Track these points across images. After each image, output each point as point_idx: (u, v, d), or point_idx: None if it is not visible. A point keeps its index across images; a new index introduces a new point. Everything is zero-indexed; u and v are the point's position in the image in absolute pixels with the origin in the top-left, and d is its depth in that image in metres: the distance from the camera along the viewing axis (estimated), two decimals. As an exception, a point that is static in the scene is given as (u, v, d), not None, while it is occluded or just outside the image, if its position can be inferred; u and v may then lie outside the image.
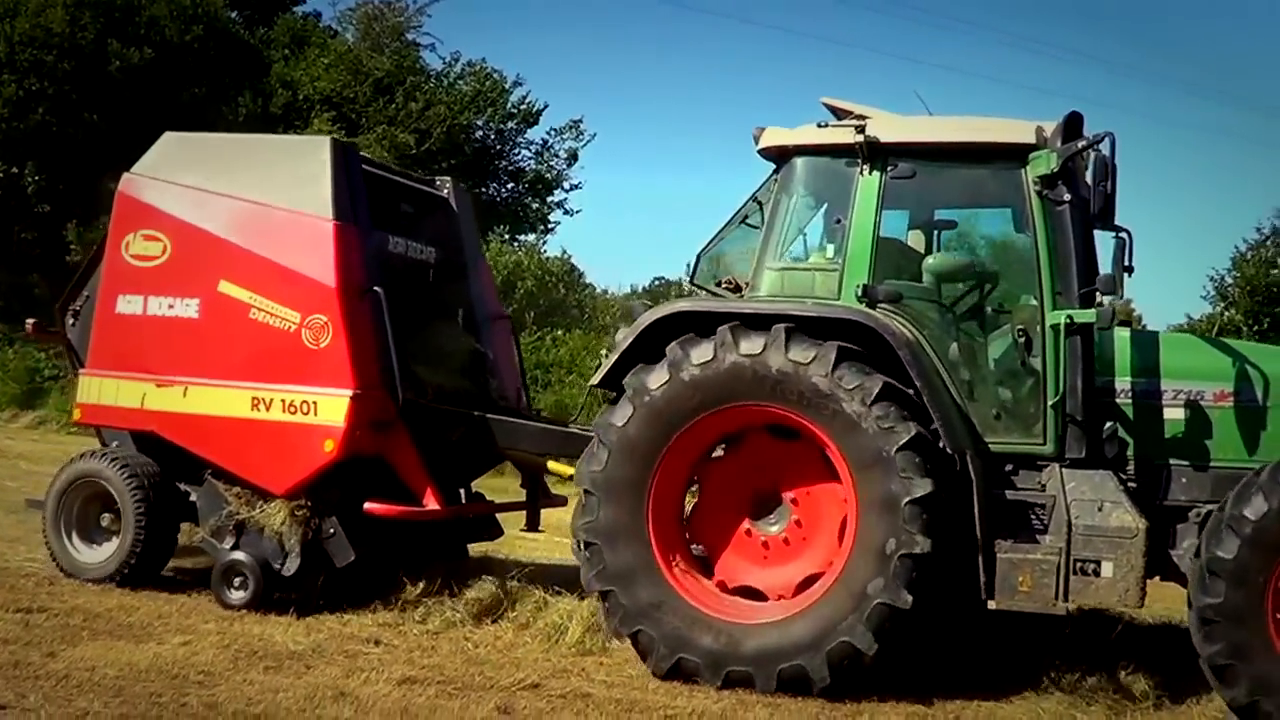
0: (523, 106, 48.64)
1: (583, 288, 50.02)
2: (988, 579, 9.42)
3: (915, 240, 10.97)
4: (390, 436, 11.49)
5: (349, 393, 11.07)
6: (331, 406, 11.11)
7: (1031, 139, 9.86)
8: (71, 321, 12.65)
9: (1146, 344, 10.16)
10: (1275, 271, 36.12)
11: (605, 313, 48.97)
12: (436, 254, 12.98)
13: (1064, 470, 9.62)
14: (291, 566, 11.28)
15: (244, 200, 11.55)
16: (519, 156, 49.78)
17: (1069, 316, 9.53)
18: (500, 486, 14.34)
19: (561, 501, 13.27)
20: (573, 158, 50.10)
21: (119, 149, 34.93)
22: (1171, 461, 9.85)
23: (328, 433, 11.10)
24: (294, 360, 11.21)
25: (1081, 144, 9.62)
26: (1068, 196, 9.71)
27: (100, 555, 11.84)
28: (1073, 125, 9.82)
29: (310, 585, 11.35)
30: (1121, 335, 10.10)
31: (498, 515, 13.40)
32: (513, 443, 12.15)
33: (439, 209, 13.24)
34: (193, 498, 11.84)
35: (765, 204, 10.70)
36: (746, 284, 10.56)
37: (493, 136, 48.68)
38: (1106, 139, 9.39)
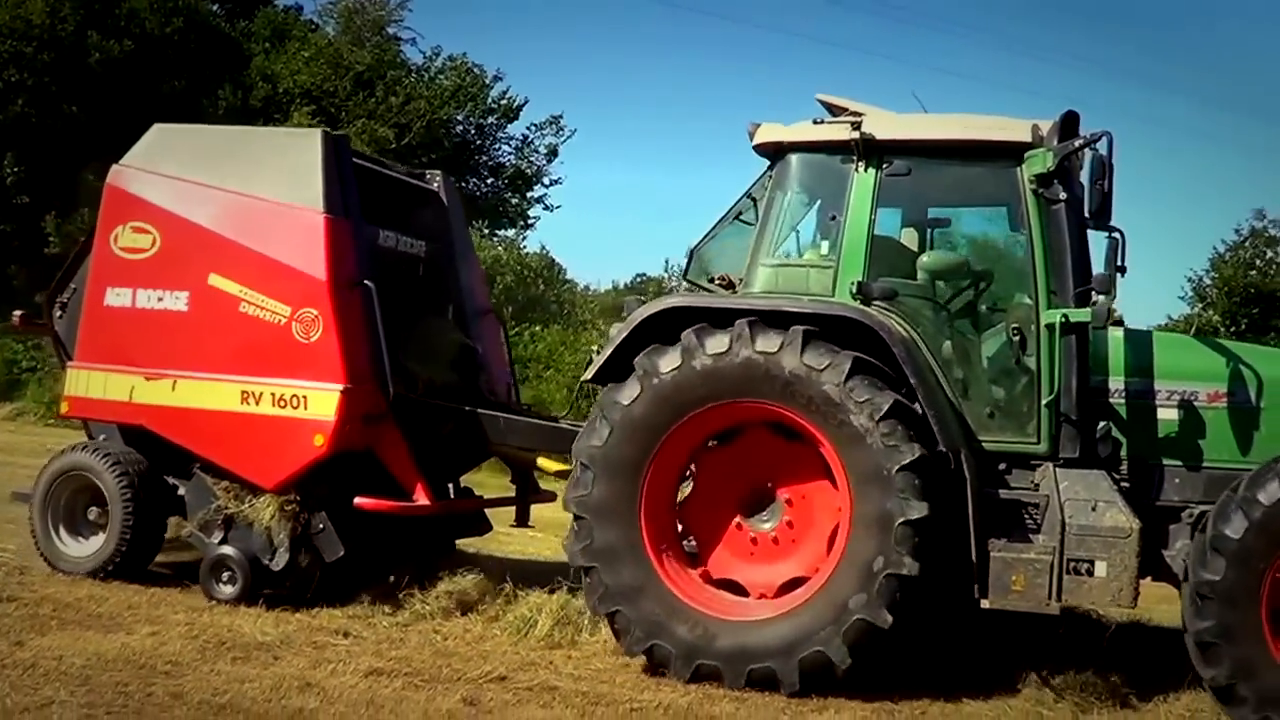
0: (503, 101, 48.65)
1: (562, 283, 49.96)
2: (981, 578, 9.39)
3: (909, 238, 10.92)
4: (380, 431, 11.41)
5: (339, 387, 11.00)
6: (322, 400, 11.03)
7: (1027, 137, 9.80)
8: (59, 314, 12.54)
9: (1140, 344, 10.13)
10: (1253, 273, 36.24)
11: (584, 309, 48.95)
12: (427, 248, 12.91)
13: (1058, 470, 9.58)
14: (280, 561, 11.19)
15: (234, 193, 11.45)
16: (499, 151, 49.90)
17: (1064, 315, 9.48)
18: (484, 482, 14.29)
19: (551, 497, 13.18)
20: (553, 153, 50.22)
21: (99, 141, 34.96)
22: (1165, 462, 9.82)
23: (318, 427, 11.02)
24: (284, 354, 11.12)
25: (1078, 142, 9.58)
26: (1063, 195, 9.67)
27: (87, 549, 11.74)
28: (1069, 124, 9.78)
29: (302, 580, 11.29)
30: (1115, 335, 10.08)
31: (487, 511, 13.36)
32: (503, 438, 12.08)
33: (429, 202, 13.16)
34: (181, 492, 11.76)
35: (759, 200, 10.62)
36: (740, 280, 10.52)
37: (473, 131, 48.65)
38: (1104, 138, 9.36)
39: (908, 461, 9.14)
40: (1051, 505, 9.42)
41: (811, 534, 9.87)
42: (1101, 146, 9.38)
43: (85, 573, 11.49)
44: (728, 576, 10.01)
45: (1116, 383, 9.90)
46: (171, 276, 11.52)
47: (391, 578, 11.45)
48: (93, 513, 11.82)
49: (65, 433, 23.58)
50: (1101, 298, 9.61)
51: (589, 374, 10.37)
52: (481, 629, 10.93)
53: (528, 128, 49.68)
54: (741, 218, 10.80)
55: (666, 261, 55.78)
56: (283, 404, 11.12)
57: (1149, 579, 9.67)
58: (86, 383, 11.81)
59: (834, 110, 10.61)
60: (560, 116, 49.78)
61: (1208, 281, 37.30)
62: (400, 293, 12.02)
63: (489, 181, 48.97)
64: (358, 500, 11.21)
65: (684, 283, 11.13)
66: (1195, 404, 9.81)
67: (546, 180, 50.58)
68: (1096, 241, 9.91)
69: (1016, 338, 9.84)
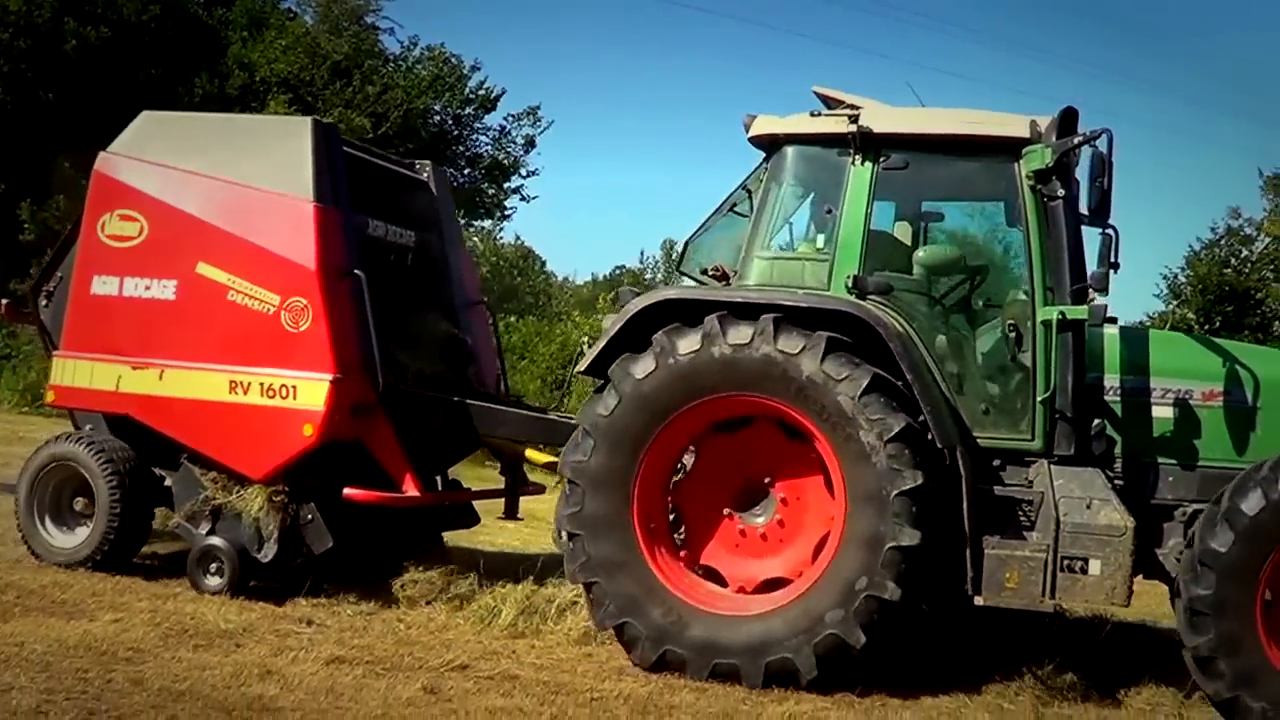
0: (481, 92, 48.38)
1: (538, 274, 50.14)
2: (975, 575, 9.35)
3: (902, 232, 10.87)
4: (370, 422, 11.32)
5: (329, 377, 10.90)
6: (311, 390, 10.93)
7: (1025, 133, 9.75)
8: (45, 303, 12.39)
9: (1136, 341, 10.10)
10: (1228, 271, 36.36)
11: (560, 300, 49.04)
12: (416, 238, 12.81)
13: (1052, 467, 9.54)
14: (269, 553, 11.09)
15: (223, 181, 11.32)
16: (476, 142, 49.60)
17: (1061, 313, 9.43)
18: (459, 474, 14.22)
19: (540, 490, 13.18)
20: (530, 144, 49.98)
21: (74, 128, 34.70)
22: (1159, 460, 9.78)
23: (307, 417, 10.92)
24: (273, 343, 11.02)
25: (1078, 139, 9.51)
26: (1061, 192, 9.59)
27: (74, 540, 11.60)
28: (1067, 121, 9.73)
29: (291, 571, 11.20)
30: (1110, 332, 10.04)
31: (474, 503, 13.29)
32: (492, 429, 12.00)
33: (419, 192, 13.07)
34: (168, 482, 11.63)
35: (754, 192, 10.54)
36: (734, 272, 10.45)
37: (450, 121, 48.38)
38: (1104, 135, 9.30)
39: (908, 488, 9.08)
40: (1046, 502, 9.40)
41: (801, 537, 9.81)
42: (1101, 144, 9.32)
43: (72, 564, 11.36)
44: (710, 564, 9.96)
45: (1112, 380, 9.86)
46: (159, 265, 11.40)
47: (359, 568, 11.42)
48: (79, 503, 11.71)
49: (39, 421, 23.52)
50: (1098, 295, 9.59)
51: (582, 366, 10.28)
52: (445, 618, 10.91)
53: (505, 118, 49.54)
54: (736, 209, 10.72)
55: (642, 253, 55.95)
56: (271, 394, 11.00)
57: (1139, 576, 9.60)
58: (73, 372, 11.65)
59: (830, 103, 10.53)
60: (538, 107, 49.67)
61: (1183, 279, 37.42)
62: (390, 283, 11.92)
63: (466, 172, 48.68)
64: (347, 491, 11.12)
65: (678, 274, 11.03)
66: (1190, 402, 9.77)
67: (524, 171, 50.49)
68: (1089, 237, 9.91)
69: (1012, 334, 9.78)
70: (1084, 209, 9.62)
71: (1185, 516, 9.56)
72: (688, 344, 9.51)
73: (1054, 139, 9.63)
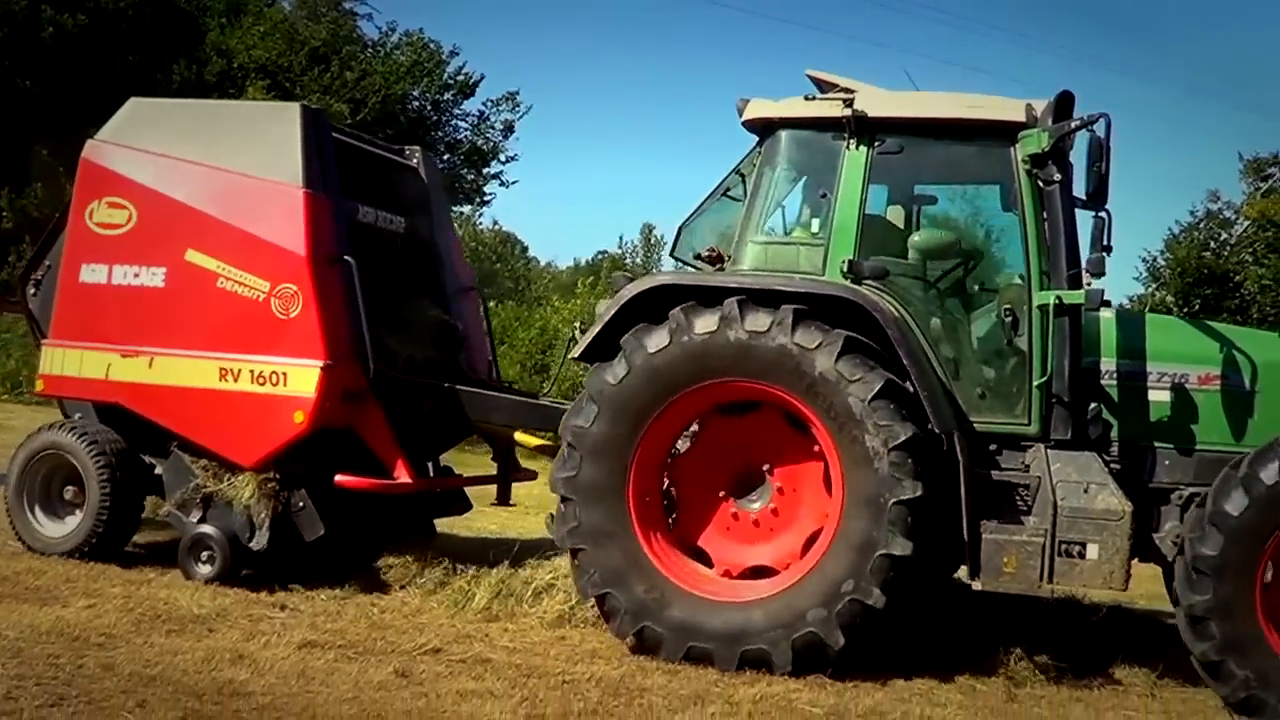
0: (459, 77, 48.33)
1: (518, 258, 50.08)
2: (972, 560, 9.33)
3: (895, 216, 10.79)
4: (361, 408, 11.25)
5: (319, 363, 10.82)
6: (301, 377, 10.85)
7: (1021, 117, 9.68)
8: (33, 291, 12.28)
9: (1132, 325, 10.06)
10: (1207, 254, 36.43)
11: (538, 284, 49.02)
12: (406, 224, 12.72)
13: (1049, 451, 9.50)
14: (260, 541, 11.01)
15: (212, 167, 11.24)
16: (455, 128, 49.53)
17: (1058, 297, 9.38)
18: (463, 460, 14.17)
19: (532, 476, 13.14)
20: (509, 129, 49.94)
21: (52, 116, 34.49)
22: (1156, 444, 9.74)
23: (298, 404, 10.85)
24: (263, 330, 10.94)
25: (1075, 124, 9.44)
26: (1058, 176, 9.54)
27: (64, 529, 11.52)
28: (1063, 105, 9.67)
29: (279, 559, 11.14)
30: (1106, 316, 10.00)
31: (466, 489, 13.22)
32: (484, 414, 11.92)
33: (408, 178, 12.97)
34: (158, 470, 11.56)
35: (748, 177, 10.46)
36: (728, 256, 10.37)
37: (429, 107, 48.34)
38: (1102, 120, 9.24)
39: (906, 498, 9.04)
40: (1043, 487, 9.36)
41: (792, 528, 9.76)
42: (1099, 128, 9.27)
43: (62, 553, 11.28)
44: (698, 544, 9.91)
45: (1108, 364, 9.81)
46: (148, 252, 11.31)
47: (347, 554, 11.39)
48: (69, 492, 11.62)
49: (18, 409, 23.33)
50: (1095, 280, 9.56)
51: (576, 352, 10.20)
52: (419, 602, 10.90)
53: (484, 103, 49.50)
54: (729, 194, 10.64)
55: (621, 238, 55.90)
56: (262, 381, 10.93)
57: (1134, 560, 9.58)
58: (62, 361, 11.56)
59: (823, 86, 10.45)
60: (516, 93, 49.72)
61: (1162, 262, 37.49)
62: (380, 269, 11.84)
63: (445, 158, 48.50)
64: (338, 478, 11.05)
65: (671, 259, 10.96)
66: (1186, 386, 9.73)
67: (503, 157, 50.42)
68: (1080, 221, 9.86)
69: (1008, 318, 9.73)
70: (1081, 194, 9.54)
71: (1182, 500, 9.52)
72: (704, 324, 9.43)
73: (1050, 123, 9.57)
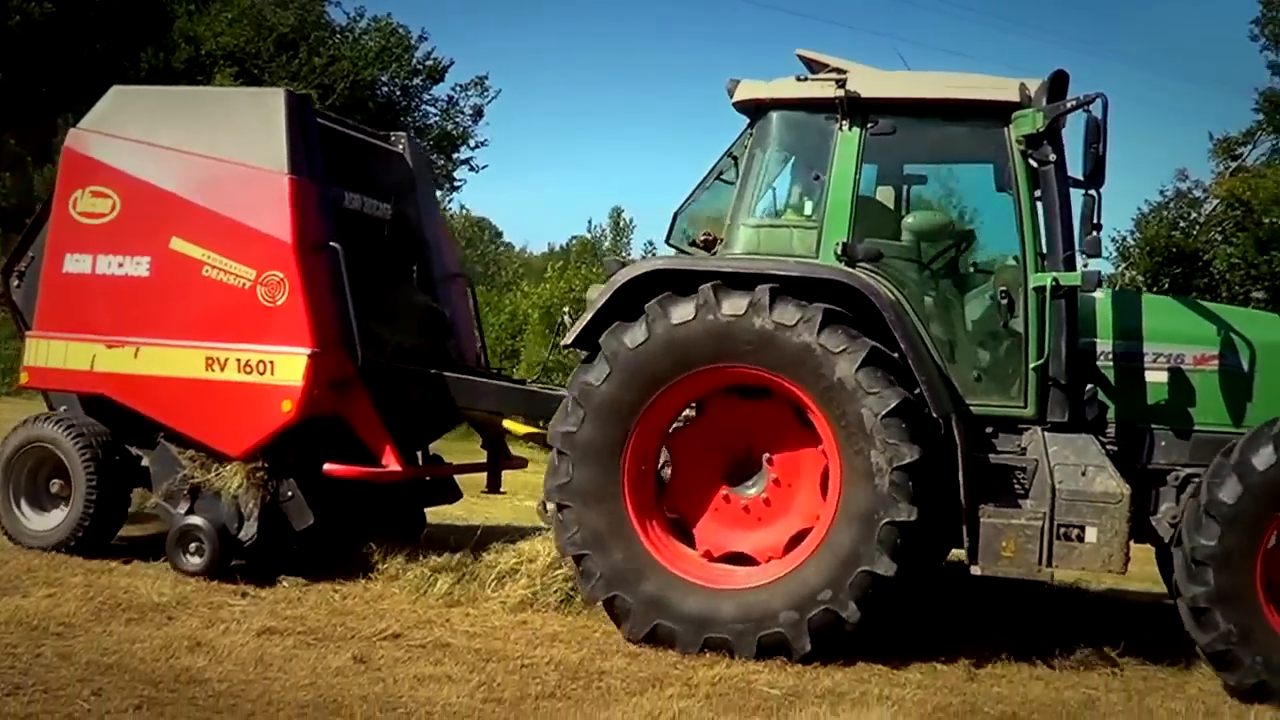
0: (428, 62, 48.17)
1: (488, 244, 49.92)
2: (971, 544, 9.21)
3: (884, 196, 10.68)
4: (349, 396, 11.08)
5: (307, 351, 10.66)
6: (289, 365, 10.69)
7: (1015, 97, 9.52)
8: (16, 283, 12.10)
9: (1127, 306, 9.94)
10: (1176, 233, 36.50)
11: (508, 269, 48.92)
12: (392, 210, 12.53)
13: (1046, 434, 9.39)
14: (249, 531, 10.82)
15: (196, 154, 11.04)
16: (424, 113, 49.32)
17: (1054, 278, 9.24)
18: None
19: (522, 463, 13.03)
20: (478, 114, 49.78)
21: (20, 105, 34.15)
22: (1152, 425, 9.64)
23: (285, 393, 10.68)
24: (249, 318, 10.77)
25: (1071, 104, 9.30)
26: (1053, 156, 9.40)
27: (50, 522, 11.33)
28: (1057, 84, 9.54)
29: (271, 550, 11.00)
30: (1102, 297, 9.89)
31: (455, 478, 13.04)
32: (472, 402, 11.74)
33: (394, 164, 12.77)
34: (145, 462, 11.36)
35: (740, 159, 10.27)
36: (721, 240, 10.25)
37: (398, 92, 48.19)
38: (1098, 100, 9.09)
39: (900, 519, 8.92)
40: (1040, 470, 9.26)
41: (779, 523, 9.64)
42: (1095, 109, 9.12)
43: (48, 546, 11.11)
44: (684, 519, 9.81)
45: (1104, 345, 9.70)
46: (132, 241, 11.12)
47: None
48: (55, 485, 11.42)
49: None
50: (1091, 261, 9.49)
51: (569, 338, 9.97)
52: (381, 587, 10.82)
53: (453, 88, 49.33)
54: (722, 178, 10.43)
55: (590, 222, 55.76)
56: (249, 370, 10.77)
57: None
58: (46, 352, 11.36)
59: (814, 67, 10.25)
60: (485, 77, 49.79)
61: (1131, 241, 37.54)
62: (366, 256, 11.65)
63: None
64: (327, 467, 10.88)
65: (667, 246, 10.80)
66: (1182, 367, 9.61)
67: (472, 142, 50.22)
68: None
69: (1004, 300, 9.60)
70: (1078, 174, 9.40)
71: (1178, 481, 9.44)
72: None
73: (1044, 103, 9.45)
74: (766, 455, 9.68)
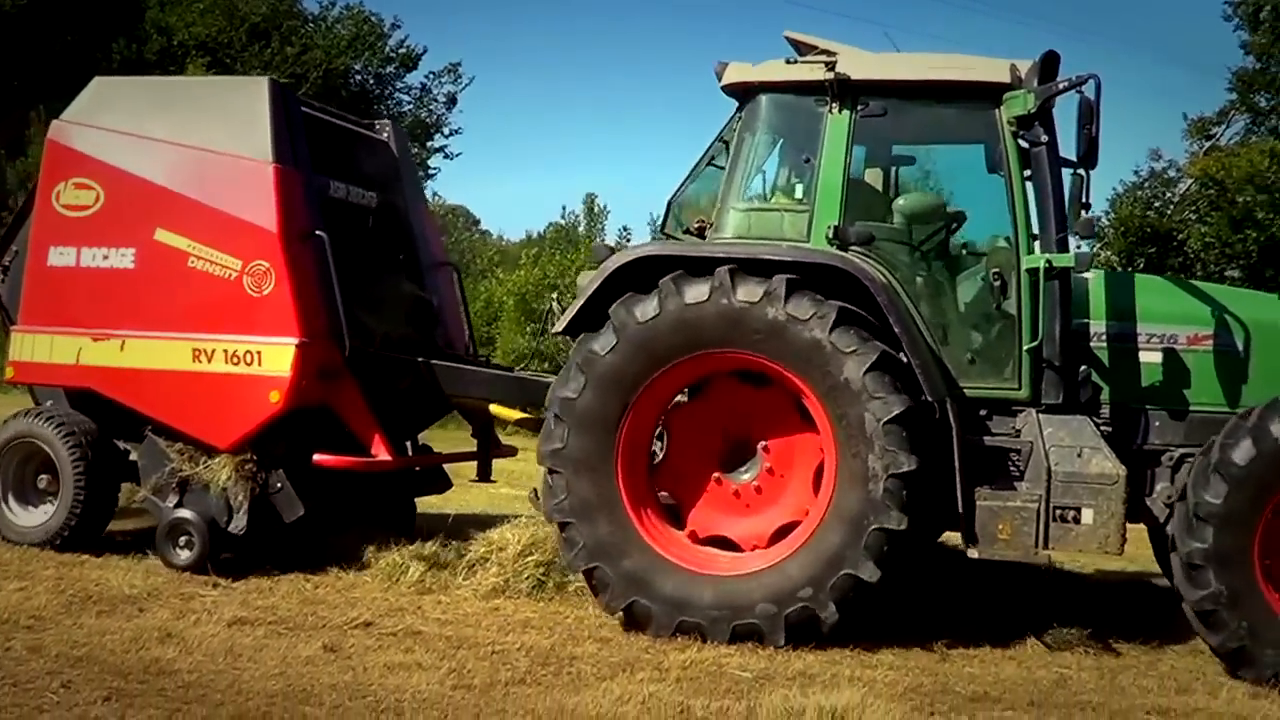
0: (401, 50, 47.99)
1: (462, 231, 49.74)
2: (967, 527, 9.14)
3: (873, 178, 10.58)
4: (337, 386, 10.98)
5: (294, 341, 10.57)
6: (276, 356, 10.60)
7: (1006, 78, 9.42)
8: (1, 277, 11.94)
9: (1119, 286, 9.85)
10: (1150, 213, 36.48)
11: (483, 256, 48.78)
12: (378, 198, 12.39)
13: (1040, 415, 9.31)
14: (239, 524, 10.71)
15: (180, 145, 10.93)
16: (398, 101, 49.13)
17: (1048, 260, 9.15)
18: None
19: (512, 452, 12.91)
20: (452, 101, 49.64)
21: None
22: (1146, 406, 9.56)
23: (273, 383, 10.60)
24: (236, 309, 10.67)
25: (1063, 84, 9.18)
26: (1045, 137, 9.30)
27: (39, 518, 11.22)
28: (1048, 65, 9.45)
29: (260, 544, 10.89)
30: (1094, 277, 9.82)
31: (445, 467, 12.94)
32: (462, 389, 11.64)
33: (379, 152, 12.63)
34: (133, 456, 11.24)
35: (729, 143, 10.17)
36: (710, 224, 10.12)
37: (371, 81, 48.07)
38: (1091, 80, 9.00)
39: (889, 527, 8.87)
40: (1036, 452, 9.19)
41: (767, 513, 9.57)
42: (1088, 90, 9.02)
43: (36, 543, 10.99)
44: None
45: (1097, 326, 9.60)
46: (117, 233, 11.00)
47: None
48: (43, 481, 11.30)
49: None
50: (1084, 242, 9.43)
51: (560, 325, 9.84)
52: (353, 576, 10.77)
53: (426, 76, 49.16)
54: (714, 162, 10.26)
55: (564, 209, 55.58)
56: (236, 361, 10.67)
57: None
58: (32, 346, 11.23)
59: (802, 49, 10.10)
60: (458, 64, 49.38)
61: (1105, 221, 37.51)
62: (353, 244, 11.52)
63: (388, 131, 48.22)
64: (317, 457, 10.79)
65: (663, 235, 10.65)
66: (1176, 347, 9.53)
67: (446, 130, 50.06)
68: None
69: (996, 282, 9.50)
70: (1071, 156, 9.32)
71: (1173, 462, 9.38)
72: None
73: (1035, 84, 9.32)
74: (763, 443, 9.55)
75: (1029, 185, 9.55)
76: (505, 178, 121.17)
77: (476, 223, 68.12)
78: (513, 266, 40.03)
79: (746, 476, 9.64)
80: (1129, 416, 9.58)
